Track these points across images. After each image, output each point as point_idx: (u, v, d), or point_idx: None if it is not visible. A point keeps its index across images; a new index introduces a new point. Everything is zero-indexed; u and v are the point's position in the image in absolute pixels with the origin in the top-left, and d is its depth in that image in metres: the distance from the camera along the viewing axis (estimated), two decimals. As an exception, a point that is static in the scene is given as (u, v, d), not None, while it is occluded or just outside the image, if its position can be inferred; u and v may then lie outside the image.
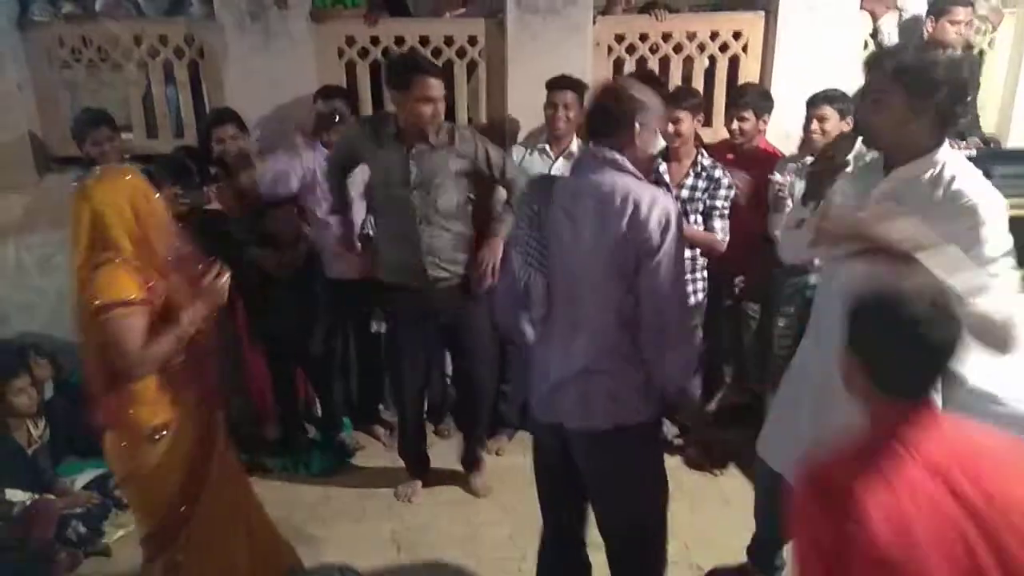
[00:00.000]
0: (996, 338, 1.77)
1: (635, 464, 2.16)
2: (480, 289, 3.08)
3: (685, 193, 3.21)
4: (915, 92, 1.89)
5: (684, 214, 3.07)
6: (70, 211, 2.09)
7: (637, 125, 2.01)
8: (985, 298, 1.70)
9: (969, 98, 1.96)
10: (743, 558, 2.93)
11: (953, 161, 1.96)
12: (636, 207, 1.93)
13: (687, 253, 3.06)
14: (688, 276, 3.26)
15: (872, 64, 2.05)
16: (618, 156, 2.01)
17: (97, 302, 2.01)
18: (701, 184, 3.21)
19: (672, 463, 3.66)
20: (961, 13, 3.60)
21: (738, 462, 3.63)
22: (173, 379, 2.16)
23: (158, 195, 2.22)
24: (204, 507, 2.24)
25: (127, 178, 2.13)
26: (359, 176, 3.36)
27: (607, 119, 2.04)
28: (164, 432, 2.14)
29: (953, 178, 1.91)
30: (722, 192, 3.20)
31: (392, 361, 3.44)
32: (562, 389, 2.11)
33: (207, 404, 2.29)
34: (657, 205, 1.94)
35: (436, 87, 2.87)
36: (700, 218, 3.23)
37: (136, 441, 2.14)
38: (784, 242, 2.39)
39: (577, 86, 3.45)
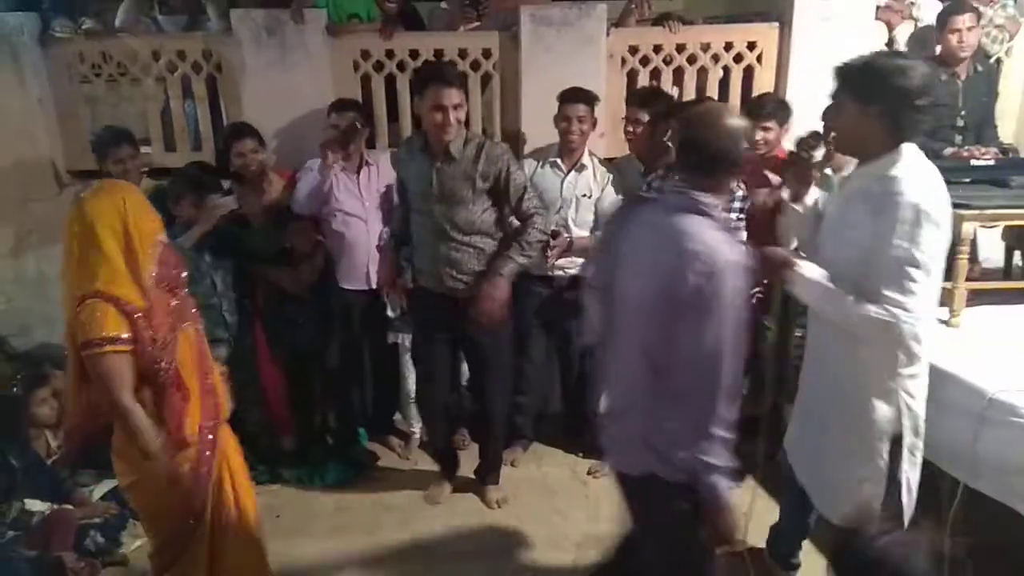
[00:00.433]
0: (890, 340, 2.03)
1: (670, 522, 1.96)
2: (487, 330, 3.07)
3: None
4: (861, 98, 2.05)
5: None
6: (64, 224, 2.09)
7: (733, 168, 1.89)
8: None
9: (922, 103, 2.02)
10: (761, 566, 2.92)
11: (909, 163, 2.06)
12: (697, 256, 1.75)
13: None
14: None
15: (834, 73, 2.15)
16: (703, 200, 1.83)
17: (85, 338, 2.00)
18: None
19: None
20: (959, 21, 3.59)
21: (755, 474, 3.59)
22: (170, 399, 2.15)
23: (154, 212, 2.20)
24: (215, 523, 2.24)
25: (123, 193, 2.12)
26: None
27: (703, 156, 1.87)
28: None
29: (899, 179, 2.02)
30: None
31: (418, 363, 3.47)
32: (607, 422, 2.05)
33: (212, 420, 2.27)
34: (719, 261, 1.75)
35: (449, 96, 2.86)
36: None
37: (133, 450, 2.13)
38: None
39: (589, 98, 3.44)
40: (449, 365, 3.40)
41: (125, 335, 2.03)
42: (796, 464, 2.55)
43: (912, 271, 2.00)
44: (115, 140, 3.43)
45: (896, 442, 2.23)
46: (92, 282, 2.03)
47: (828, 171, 3.21)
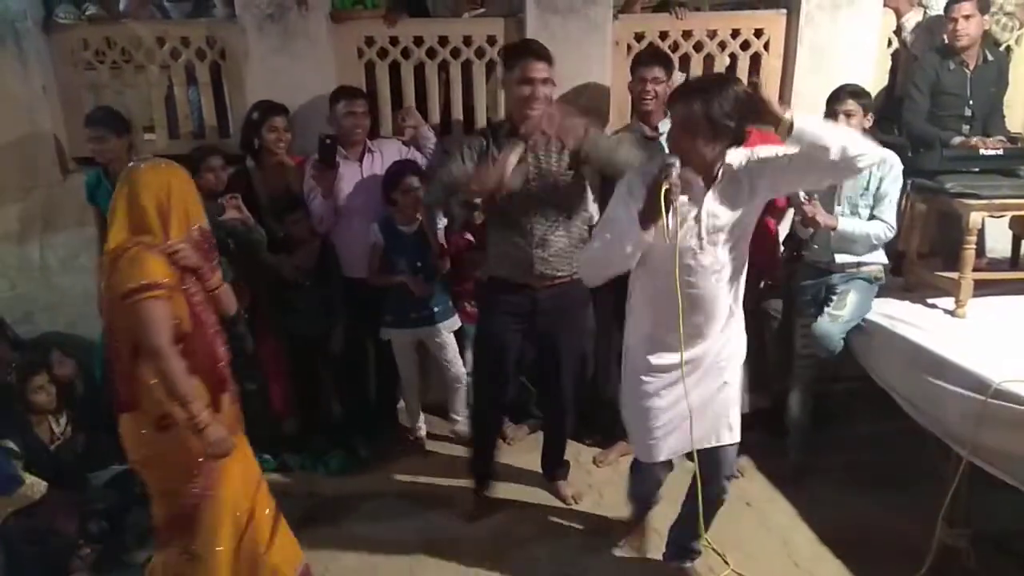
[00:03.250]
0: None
1: None
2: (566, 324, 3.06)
3: None
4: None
5: None
6: (118, 193, 2.19)
7: None
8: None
9: (721, 104, 2.11)
10: (768, 558, 2.94)
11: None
12: None
13: None
14: None
15: None
16: None
17: (128, 286, 2.05)
18: None
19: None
20: (956, 9, 3.55)
21: (757, 463, 3.60)
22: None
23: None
24: (220, 499, 2.25)
25: (170, 173, 2.22)
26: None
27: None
28: (169, 420, 2.16)
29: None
30: None
31: (485, 359, 3.23)
32: None
33: (221, 397, 2.30)
34: None
35: (537, 68, 2.81)
36: None
37: (147, 427, 2.17)
38: None
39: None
40: (515, 363, 3.26)
41: (164, 280, 2.09)
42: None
43: None
44: (94, 121, 3.48)
45: None
46: (135, 234, 2.13)
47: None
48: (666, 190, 2.06)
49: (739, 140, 2.22)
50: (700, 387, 2.43)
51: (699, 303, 2.33)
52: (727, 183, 2.26)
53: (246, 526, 2.34)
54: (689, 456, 2.52)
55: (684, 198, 2.17)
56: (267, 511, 2.43)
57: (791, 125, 2.08)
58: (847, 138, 2.13)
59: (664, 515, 2.90)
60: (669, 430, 2.48)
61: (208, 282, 2.28)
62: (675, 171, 2.09)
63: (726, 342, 2.45)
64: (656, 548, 2.93)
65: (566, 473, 3.46)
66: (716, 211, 2.26)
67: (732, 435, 2.54)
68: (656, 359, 2.43)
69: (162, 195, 2.16)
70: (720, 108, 2.11)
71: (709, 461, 2.53)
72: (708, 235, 2.27)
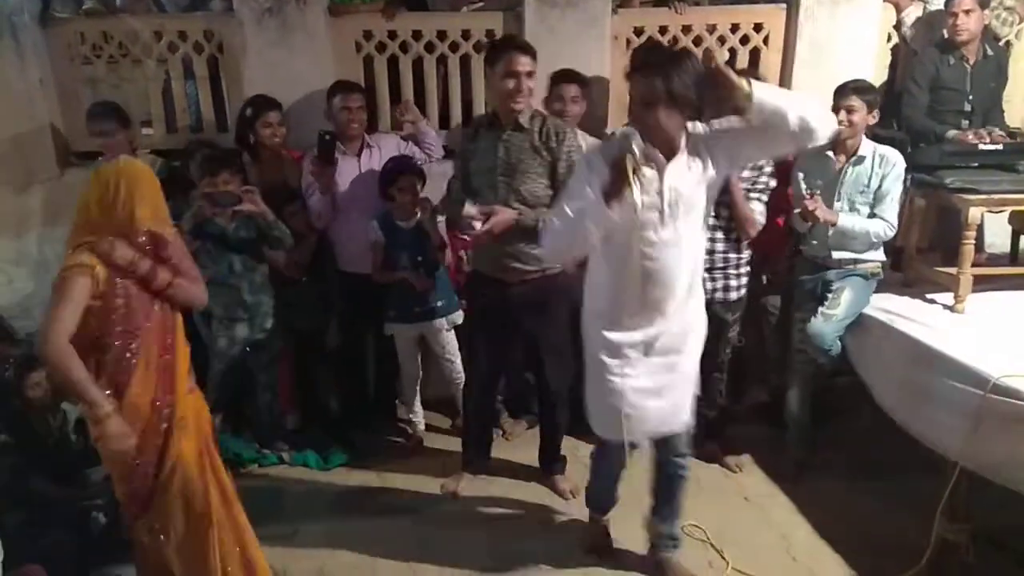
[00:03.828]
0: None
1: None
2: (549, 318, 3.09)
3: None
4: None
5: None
6: (79, 194, 2.24)
7: None
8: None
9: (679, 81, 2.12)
10: (766, 553, 2.94)
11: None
12: None
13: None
14: (733, 271, 3.26)
15: None
16: None
17: (59, 272, 2.14)
18: (747, 174, 3.19)
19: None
20: (956, 4, 3.54)
21: (755, 457, 3.60)
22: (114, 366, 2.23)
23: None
24: (172, 478, 2.30)
25: (126, 165, 2.25)
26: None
27: None
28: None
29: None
30: (763, 179, 3.18)
31: (472, 352, 3.37)
32: None
33: (168, 395, 2.32)
34: None
35: (521, 62, 2.85)
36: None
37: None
38: None
39: (582, 79, 3.46)
40: (506, 354, 3.36)
41: (88, 263, 2.15)
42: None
43: None
44: (99, 114, 3.48)
45: None
46: (86, 232, 2.21)
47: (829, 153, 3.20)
48: (631, 165, 2.08)
49: (699, 113, 2.23)
50: (658, 367, 2.44)
51: (658, 277, 2.33)
52: (688, 157, 2.26)
53: (204, 507, 2.37)
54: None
55: (647, 171, 2.18)
56: (224, 493, 2.45)
57: (749, 95, 2.08)
58: (806, 107, 2.12)
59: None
60: (630, 409, 2.47)
61: (153, 282, 2.27)
62: (637, 145, 2.10)
63: (684, 322, 2.44)
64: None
65: (563, 468, 3.46)
66: (677, 185, 2.26)
67: (686, 418, 2.55)
68: (614, 336, 2.43)
69: (109, 193, 2.19)
70: (680, 81, 2.11)
71: (663, 442, 2.57)
72: (669, 209, 2.26)
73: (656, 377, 2.43)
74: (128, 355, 2.23)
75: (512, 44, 2.97)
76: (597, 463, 2.85)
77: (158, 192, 2.31)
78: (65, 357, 2.11)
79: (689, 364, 2.50)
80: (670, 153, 2.24)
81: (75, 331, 2.13)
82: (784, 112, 2.08)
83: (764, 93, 2.10)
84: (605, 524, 2.96)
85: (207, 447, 2.44)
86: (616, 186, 2.13)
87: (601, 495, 2.92)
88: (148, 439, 2.27)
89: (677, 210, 2.27)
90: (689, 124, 2.25)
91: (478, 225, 2.86)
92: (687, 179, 2.26)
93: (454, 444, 3.74)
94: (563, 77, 3.46)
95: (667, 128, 2.19)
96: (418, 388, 3.85)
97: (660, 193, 2.25)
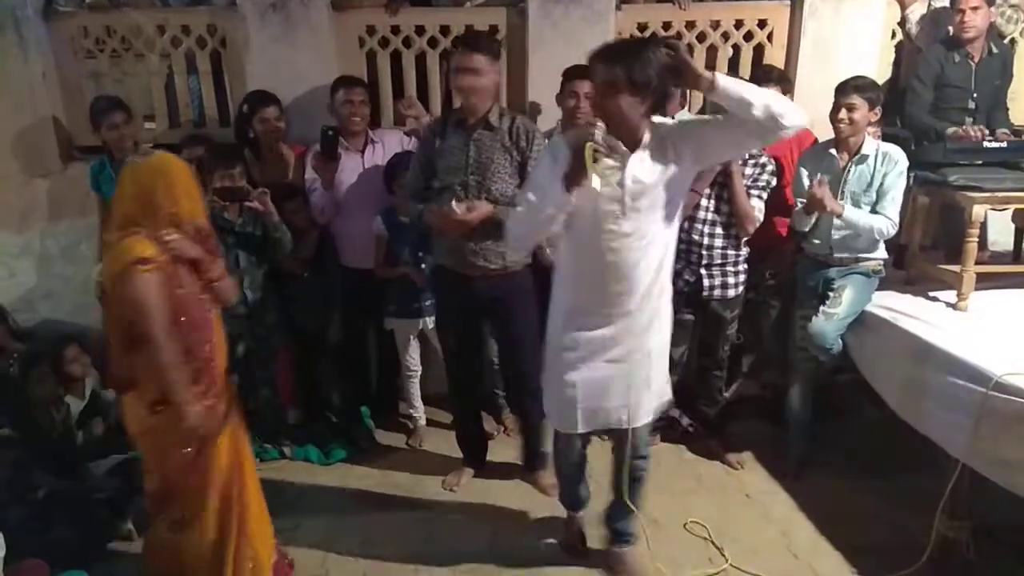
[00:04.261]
0: None
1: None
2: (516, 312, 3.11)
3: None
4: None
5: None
6: (116, 187, 2.24)
7: None
8: None
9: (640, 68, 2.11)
10: (767, 550, 2.94)
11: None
12: None
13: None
14: (731, 268, 3.26)
15: None
16: None
17: (118, 266, 2.10)
18: (749, 171, 3.20)
19: (690, 455, 3.65)
20: (962, 1, 3.52)
21: (757, 455, 3.60)
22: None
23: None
24: (207, 470, 2.32)
25: (162, 162, 2.24)
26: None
27: None
28: (161, 407, 2.20)
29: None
30: (765, 177, 3.19)
31: (445, 347, 3.40)
32: None
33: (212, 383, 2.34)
34: None
35: (469, 59, 2.85)
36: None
37: (141, 408, 2.23)
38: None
39: None
40: (476, 347, 3.38)
41: (153, 256, 2.13)
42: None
43: None
44: (108, 107, 3.49)
45: None
46: (128, 227, 2.17)
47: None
48: (593, 151, 2.08)
49: (661, 103, 2.21)
50: (617, 363, 2.43)
51: (620, 271, 2.31)
52: (652, 149, 2.24)
53: (231, 504, 2.39)
54: (605, 433, 2.57)
55: (608, 161, 2.17)
56: (253, 493, 2.48)
57: (712, 83, 2.08)
58: (770, 97, 2.12)
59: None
60: (586, 402, 2.48)
61: (208, 272, 2.30)
62: (599, 133, 2.11)
63: (649, 322, 2.42)
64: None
65: (544, 463, 3.41)
66: (640, 176, 2.24)
67: (646, 417, 2.55)
68: (574, 328, 2.43)
69: (149, 190, 2.18)
70: (642, 70, 2.10)
71: (623, 440, 2.56)
72: (631, 201, 2.24)
73: (615, 373, 2.43)
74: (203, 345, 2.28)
75: (463, 41, 3.03)
76: (556, 457, 2.84)
77: (196, 185, 2.32)
78: (171, 362, 2.16)
79: (651, 363, 2.48)
80: (634, 145, 2.23)
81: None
82: (749, 100, 2.08)
83: (728, 82, 2.10)
84: (579, 521, 2.95)
85: (240, 438, 2.48)
86: (575, 172, 2.13)
87: (569, 490, 2.90)
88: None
89: (640, 203, 2.25)
90: (656, 118, 2.24)
91: (460, 209, 2.87)
92: (651, 172, 2.24)
93: (455, 439, 3.75)
94: (576, 73, 3.36)
95: (629, 117, 2.18)
96: (418, 383, 3.86)
97: (621, 184, 2.23)
